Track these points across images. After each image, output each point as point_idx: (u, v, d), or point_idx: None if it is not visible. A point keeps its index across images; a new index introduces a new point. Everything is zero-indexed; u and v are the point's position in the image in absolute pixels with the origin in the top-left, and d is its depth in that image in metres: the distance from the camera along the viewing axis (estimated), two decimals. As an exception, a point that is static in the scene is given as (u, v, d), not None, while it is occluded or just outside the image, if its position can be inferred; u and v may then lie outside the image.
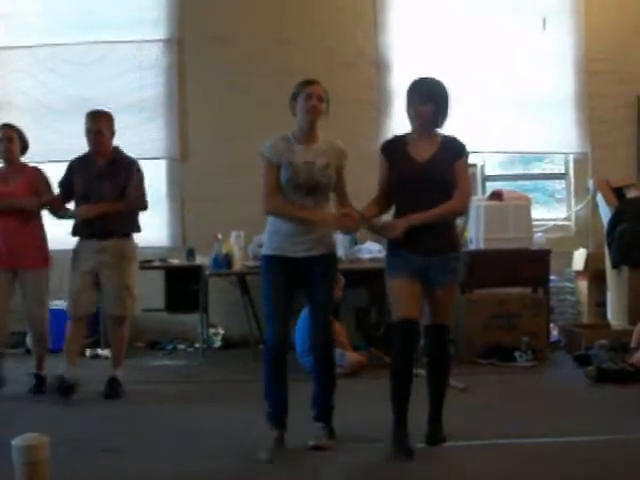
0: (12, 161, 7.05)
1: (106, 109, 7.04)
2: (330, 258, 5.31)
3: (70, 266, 6.94)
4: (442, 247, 5.12)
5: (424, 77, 5.26)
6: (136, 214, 7.02)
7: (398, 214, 5.20)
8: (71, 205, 7.02)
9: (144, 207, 7.02)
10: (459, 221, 7.59)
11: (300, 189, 5.16)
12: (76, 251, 6.93)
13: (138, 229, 7.06)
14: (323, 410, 5.28)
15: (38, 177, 7.07)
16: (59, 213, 7.05)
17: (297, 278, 5.23)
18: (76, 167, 6.97)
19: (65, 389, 6.63)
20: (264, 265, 5.31)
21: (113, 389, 6.85)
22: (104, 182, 6.81)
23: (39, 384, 7.01)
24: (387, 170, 5.23)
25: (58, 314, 7.94)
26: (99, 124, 6.85)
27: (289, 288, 5.23)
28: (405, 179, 5.14)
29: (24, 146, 7.10)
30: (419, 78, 5.25)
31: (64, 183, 6.99)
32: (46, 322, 7.12)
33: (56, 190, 7.05)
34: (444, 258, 5.11)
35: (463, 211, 5.48)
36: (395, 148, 5.25)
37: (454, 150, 5.20)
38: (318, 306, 5.28)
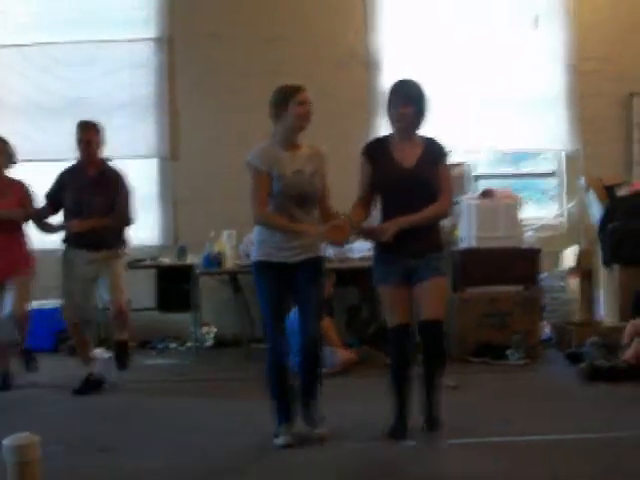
0: None
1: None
2: (318, 261, 5.35)
3: (62, 272, 6.98)
4: (426, 249, 5.21)
5: (404, 79, 5.33)
6: (123, 229, 7.10)
7: (385, 217, 5.23)
8: (57, 217, 7.07)
9: (130, 222, 7.13)
10: (447, 221, 7.63)
11: (291, 200, 5.17)
12: (67, 257, 6.97)
13: (124, 243, 7.16)
14: (313, 404, 5.36)
15: (24, 192, 7.09)
16: (46, 229, 7.05)
17: (287, 282, 5.25)
18: (66, 179, 7.00)
19: (90, 386, 6.89)
20: (256, 271, 5.31)
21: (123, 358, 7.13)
22: (95, 195, 6.86)
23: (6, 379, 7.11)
24: (370, 173, 5.26)
25: (42, 314, 7.99)
26: (88, 134, 6.92)
27: (282, 291, 5.26)
28: (392, 184, 5.19)
29: (10, 159, 7.07)
30: (399, 80, 5.33)
31: (51, 195, 7.01)
32: (28, 317, 7.10)
33: (41, 202, 7.08)
34: (427, 259, 5.19)
35: (449, 214, 5.53)
36: (378, 152, 5.29)
37: (437, 153, 5.28)
38: (308, 309, 5.30)
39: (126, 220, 7.07)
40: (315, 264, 5.31)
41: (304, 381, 5.35)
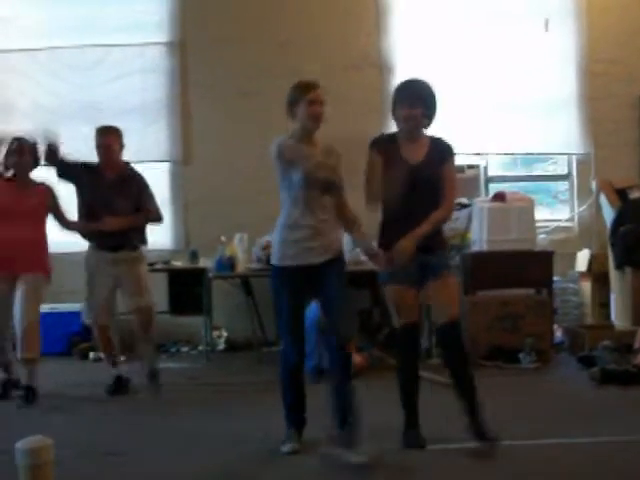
0: (22, 175, 6.89)
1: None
2: (340, 262, 5.22)
3: (86, 274, 7.00)
4: (432, 247, 5.16)
5: (412, 79, 5.28)
6: (145, 227, 7.14)
7: (386, 216, 5.21)
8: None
9: (162, 219, 7.23)
10: (459, 224, 7.62)
11: (315, 188, 5.02)
12: (89, 260, 6.99)
13: (145, 242, 7.17)
14: (349, 416, 5.00)
15: (49, 195, 6.96)
16: (70, 226, 7.02)
17: (307, 285, 5.14)
18: (85, 174, 6.95)
19: (116, 388, 7.00)
20: (275, 276, 5.19)
21: (155, 383, 7.07)
22: (116, 196, 6.88)
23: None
24: (381, 165, 5.16)
25: (55, 317, 7.97)
26: (108, 139, 6.94)
27: (302, 297, 5.18)
28: (398, 180, 5.11)
29: (36, 160, 6.95)
30: (407, 80, 5.28)
31: (66, 163, 6.94)
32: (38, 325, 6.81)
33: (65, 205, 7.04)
34: (436, 256, 5.17)
35: (450, 218, 5.49)
36: (388, 147, 5.21)
37: (443, 152, 5.25)
38: (336, 308, 5.12)
39: (158, 217, 7.15)
40: (338, 265, 5.18)
41: (335, 384, 5.11)
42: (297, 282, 5.10)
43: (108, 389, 6.98)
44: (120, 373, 7.08)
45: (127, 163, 7.13)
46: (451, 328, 5.16)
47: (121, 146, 7.02)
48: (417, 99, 5.14)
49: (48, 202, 6.94)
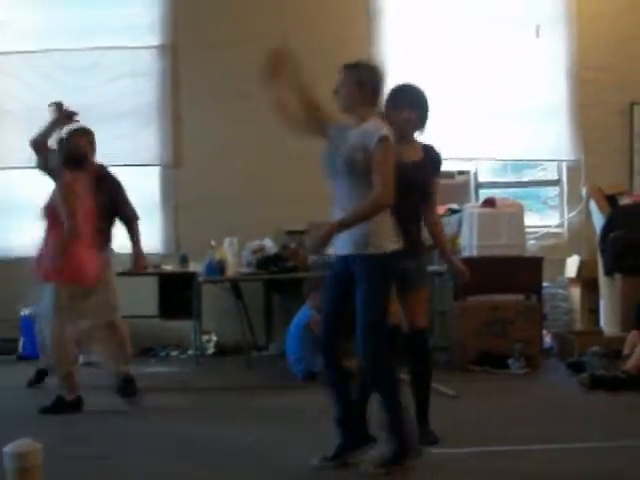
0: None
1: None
2: (370, 259, 4.60)
3: None
4: (417, 251, 5.16)
5: (406, 84, 5.28)
6: (111, 228, 7.06)
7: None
8: None
9: (138, 218, 7.15)
10: (448, 230, 7.62)
11: (333, 168, 4.69)
12: None
13: (110, 240, 7.06)
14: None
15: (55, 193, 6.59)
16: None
17: (344, 280, 4.68)
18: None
19: None
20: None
21: (129, 387, 6.83)
22: (92, 193, 6.81)
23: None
24: None
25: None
26: (79, 139, 6.83)
27: (338, 292, 4.75)
28: (397, 177, 5.07)
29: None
30: (402, 85, 5.28)
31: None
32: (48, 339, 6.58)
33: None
34: (418, 262, 5.18)
35: None
36: None
37: (435, 159, 5.29)
38: (357, 323, 4.64)
39: (137, 216, 7.10)
40: (367, 262, 4.60)
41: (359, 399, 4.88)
42: (334, 272, 4.79)
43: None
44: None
45: (101, 165, 7.05)
46: (422, 333, 5.23)
47: (92, 148, 6.93)
48: (413, 103, 5.16)
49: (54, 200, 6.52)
